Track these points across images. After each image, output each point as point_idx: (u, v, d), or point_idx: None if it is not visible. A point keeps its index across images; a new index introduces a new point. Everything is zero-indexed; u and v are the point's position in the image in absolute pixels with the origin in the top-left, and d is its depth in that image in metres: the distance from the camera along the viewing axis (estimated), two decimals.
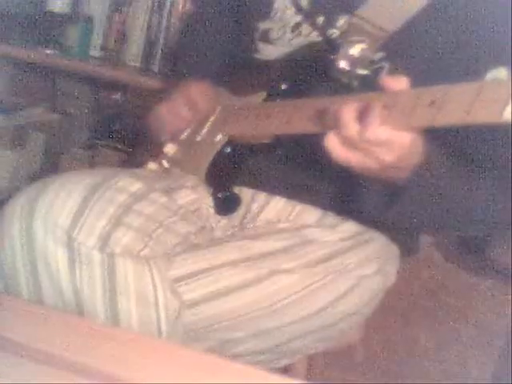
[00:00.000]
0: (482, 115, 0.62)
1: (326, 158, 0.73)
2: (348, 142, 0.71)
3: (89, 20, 1.85)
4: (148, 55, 1.83)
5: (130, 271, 0.77)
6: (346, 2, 0.92)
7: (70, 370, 0.53)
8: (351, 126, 0.71)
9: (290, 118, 0.87)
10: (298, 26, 0.97)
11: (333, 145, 0.72)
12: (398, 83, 0.70)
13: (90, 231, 0.78)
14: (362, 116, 0.70)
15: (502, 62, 0.80)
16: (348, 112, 0.71)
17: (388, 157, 0.71)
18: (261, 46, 1.03)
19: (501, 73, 0.80)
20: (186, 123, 1.06)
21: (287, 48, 0.99)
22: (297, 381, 0.57)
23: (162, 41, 1.81)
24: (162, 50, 1.81)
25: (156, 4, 1.82)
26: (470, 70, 0.82)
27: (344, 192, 0.93)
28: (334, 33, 0.94)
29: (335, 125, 0.72)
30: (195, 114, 1.04)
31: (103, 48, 1.88)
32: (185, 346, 0.80)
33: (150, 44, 1.83)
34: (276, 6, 1.00)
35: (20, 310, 0.63)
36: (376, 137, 0.69)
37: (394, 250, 1.03)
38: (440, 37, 0.86)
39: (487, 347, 1.65)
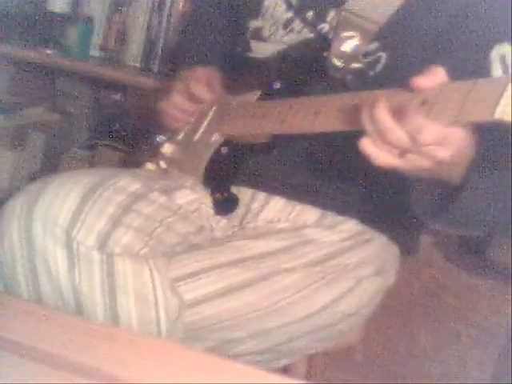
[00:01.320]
0: (474, 113, 0.61)
1: (362, 162, 0.66)
2: (394, 145, 0.64)
3: (89, 20, 1.85)
4: (148, 55, 1.83)
5: (129, 271, 0.77)
6: None
7: (69, 369, 0.53)
8: (397, 131, 0.63)
9: (286, 118, 0.87)
10: (289, 22, 0.97)
11: (373, 150, 0.65)
12: (435, 77, 0.63)
13: (89, 231, 0.78)
14: (404, 118, 0.63)
15: (507, 37, 0.77)
16: (386, 116, 0.64)
17: (443, 153, 0.65)
18: (253, 44, 1.03)
19: (507, 48, 0.78)
20: (197, 105, 1.04)
21: (280, 45, 0.98)
22: (297, 381, 0.57)
23: (161, 41, 1.81)
24: (161, 50, 1.81)
25: (156, 4, 1.81)
26: (472, 48, 0.80)
27: (386, 193, 0.90)
28: (325, 27, 0.93)
29: (374, 130, 0.65)
30: (206, 96, 1.02)
31: (103, 48, 1.88)
32: (184, 345, 0.80)
33: (150, 44, 1.83)
34: (266, 3, 1.00)
35: (20, 310, 0.63)
36: (434, 137, 0.63)
37: (393, 249, 1.03)
38: (437, 19, 0.84)
39: (487, 347, 1.65)
